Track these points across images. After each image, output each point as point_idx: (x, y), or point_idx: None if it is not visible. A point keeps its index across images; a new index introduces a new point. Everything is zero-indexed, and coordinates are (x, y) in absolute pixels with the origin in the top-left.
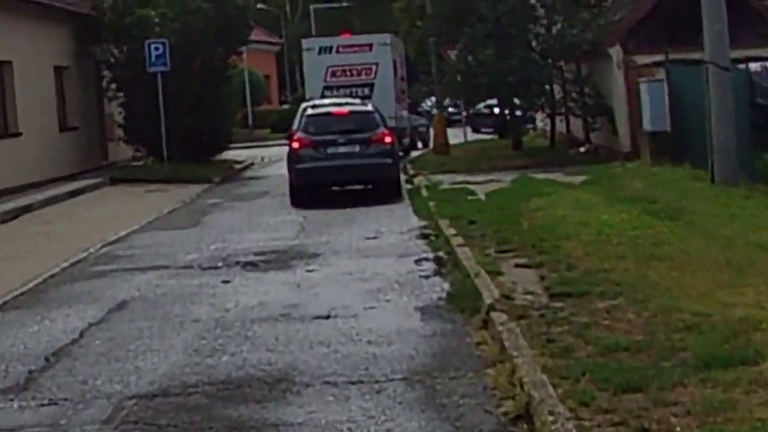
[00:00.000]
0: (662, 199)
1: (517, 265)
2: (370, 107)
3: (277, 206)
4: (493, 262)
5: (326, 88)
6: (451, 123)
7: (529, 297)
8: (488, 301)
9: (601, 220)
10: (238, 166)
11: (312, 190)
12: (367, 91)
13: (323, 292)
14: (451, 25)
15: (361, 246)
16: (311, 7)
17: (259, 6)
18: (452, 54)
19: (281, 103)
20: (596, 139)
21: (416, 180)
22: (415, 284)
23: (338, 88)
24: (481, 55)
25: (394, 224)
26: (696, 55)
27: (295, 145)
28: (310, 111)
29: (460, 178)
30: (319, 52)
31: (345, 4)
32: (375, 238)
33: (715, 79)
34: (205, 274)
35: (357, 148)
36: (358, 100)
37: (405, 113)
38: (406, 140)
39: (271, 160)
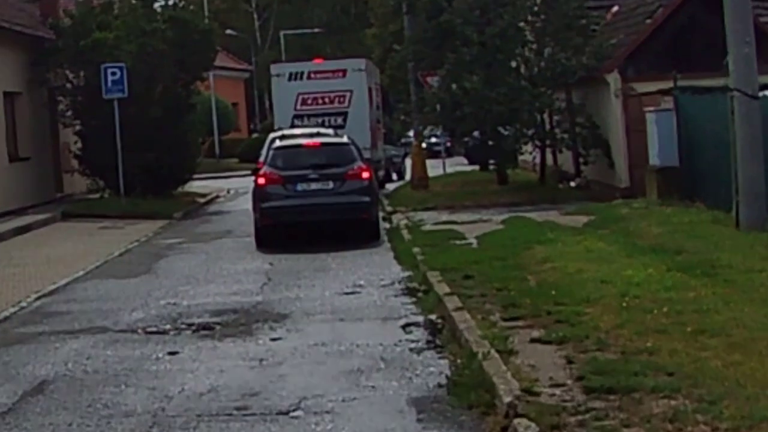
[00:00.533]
0: (688, 250)
1: (534, 340)
2: (345, 139)
3: (240, 249)
4: (502, 336)
5: (296, 116)
6: (435, 154)
7: (558, 392)
8: (506, 398)
9: (624, 276)
10: (201, 200)
11: (280, 231)
12: (340, 120)
13: (290, 372)
14: (433, 50)
15: (336, 304)
16: (281, 33)
17: (228, 31)
18: (432, 81)
19: (250, 131)
20: (589, 173)
21: (395, 218)
22: (405, 362)
23: (309, 116)
24: (466, 83)
25: (374, 274)
26: (706, 82)
27: (261, 180)
28: (278, 143)
29: (444, 217)
30: (290, 78)
31: (316, 30)
32: (353, 293)
33: (742, 108)
34: (150, 341)
35: (330, 185)
36: (331, 131)
37: (380, 143)
38: (381, 173)
39: (237, 193)
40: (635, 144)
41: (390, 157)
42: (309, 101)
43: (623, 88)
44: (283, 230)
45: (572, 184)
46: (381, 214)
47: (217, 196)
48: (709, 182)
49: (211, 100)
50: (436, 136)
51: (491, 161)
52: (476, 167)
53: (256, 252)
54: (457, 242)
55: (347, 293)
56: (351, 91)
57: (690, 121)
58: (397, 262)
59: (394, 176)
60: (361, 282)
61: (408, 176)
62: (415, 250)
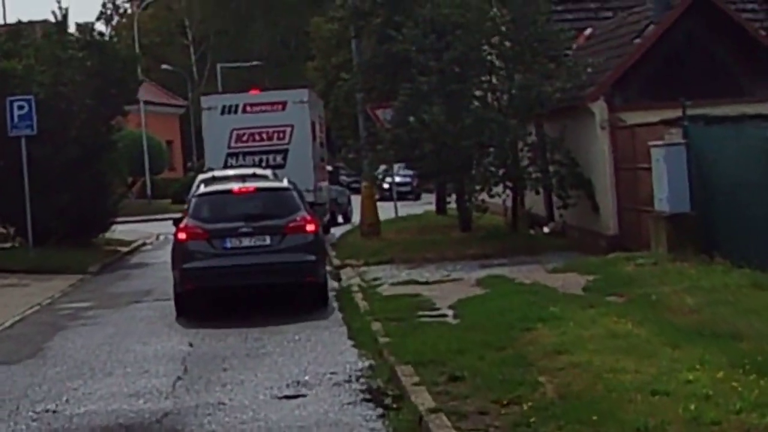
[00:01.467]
0: (747, 332)
1: None
2: (285, 183)
3: (157, 319)
4: None
5: (230, 155)
6: (401, 196)
7: None
8: None
9: (681, 382)
10: (125, 249)
11: (205, 297)
12: (280, 158)
13: None
14: (384, 78)
15: (272, 418)
16: (218, 66)
17: (163, 66)
18: (383, 114)
19: (186, 170)
20: (566, 217)
21: (344, 274)
22: None
23: (245, 155)
24: (425, 114)
25: (323, 363)
26: (721, 110)
27: (182, 236)
28: (203, 188)
29: (404, 274)
30: (222, 112)
31: (255, 63)
32: (295, 396)
33: None
34: None
35: (267, 241)
36: (269, 171)
37: (325, 185)
38: (327, 217)
39: (167, 239)
40: (625, 184)
41: (335, 198)
42: (244, 137)
43: (611, 118)
44: (209, 296)
45: (545, 229)
46: (328, 268)
47: (144, 243)
48: (728, 230)
49: (142, 137)
50: (403, 175)
51: (448, 203)
52: (431, 209)
53: (175, 324)
54: (428, 315)
55: (288, 397)
56: (292, 126)
57: (704, 158)
58: (352, 344)
59: (340, 219)
60: (306, 377)
61: (355, 218)
62: (375, 327)
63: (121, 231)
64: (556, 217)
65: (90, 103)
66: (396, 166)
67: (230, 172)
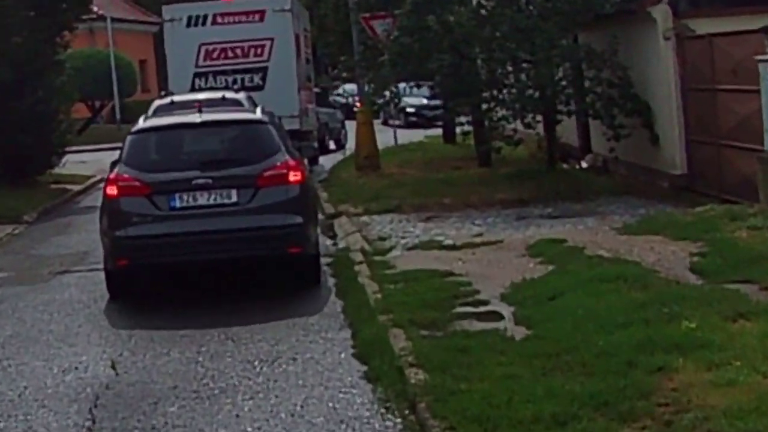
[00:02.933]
0: None
1: None
2: (259, 114)
3: (80, 309)
4: None
5: (198, 75)
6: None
7: None
8: None
9: None
10: (77, 188)
11: (145, 278)
12: (257, 79)
13: None
14: None
15: None
16: None
17: None
18: (379, 26)
19: (161, 92)
20: (604, 149)
21: (341, 229)
22: None
23: (216, 75)
24: (449, 15)
25: (322, 412)
26: None
27: (112, 190)
28: (142, 124)
29: (419, 229)
30: (189, 24)
31: None
32: None
33: None
34: None
35: (234, 196)
36: (243, 95)
37: (311, 107)
38: (314, 145)
39: None
40: (697, 110)
41: (325, 122)
42: (215, 54)
43: (676, 26)
44: (152, 276)
45: (583, 164)
46: (320, 217)
47: (102, 180)
48: None
49: (109, 57)
50: (426, 97)
51: (464, 126)
52: (435, 135)
53: (103, 318)
54: (473, 313)
55: None
56: (272, 40)
57: None
58: (361, 373)
59: (332, 145)
60: None
61: (349, 144)
62: (398, 341)
63: (82, 163)
64: (595, 148)
65: (29, 16)
66: (402, 86)
67: (194, 96)
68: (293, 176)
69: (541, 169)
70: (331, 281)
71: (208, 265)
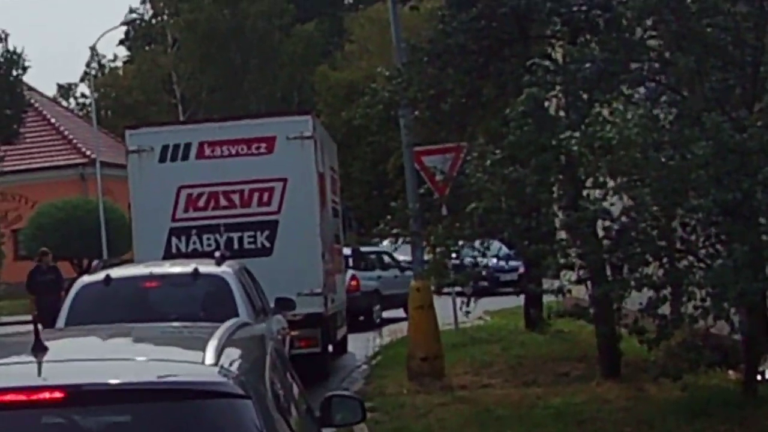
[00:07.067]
0: None
1: None
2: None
3: None
4: None
5: (176, 232)
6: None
7: None
8: None
9: None
10: None
11: None
12: (263, 238)
13: None
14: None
15: None
16: None
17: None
18: (432, 162)
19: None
20: None
21: None
22: None
23: (201, 232)
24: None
25: None
26: None
27: None
28: None
29: None
30: (163, 157)
31: None
32: None
33: None
34: None
35: None
36: (231, 270)
37: (340, 280)
38: (342, 331)
39: None
40: None
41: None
42: (201, 202)
43: None
44: None
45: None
46: None
47: None
48: None
49: (98, 208)
50: (501, 257)
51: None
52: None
53: None
54: None
55: None
56: (284, 181)
57: None
58: None
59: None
60: None
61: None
62: None
63: None
64: None
65: None
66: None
67: (149, 269)
68: None
69: (730, 396)
70: None
71: None
